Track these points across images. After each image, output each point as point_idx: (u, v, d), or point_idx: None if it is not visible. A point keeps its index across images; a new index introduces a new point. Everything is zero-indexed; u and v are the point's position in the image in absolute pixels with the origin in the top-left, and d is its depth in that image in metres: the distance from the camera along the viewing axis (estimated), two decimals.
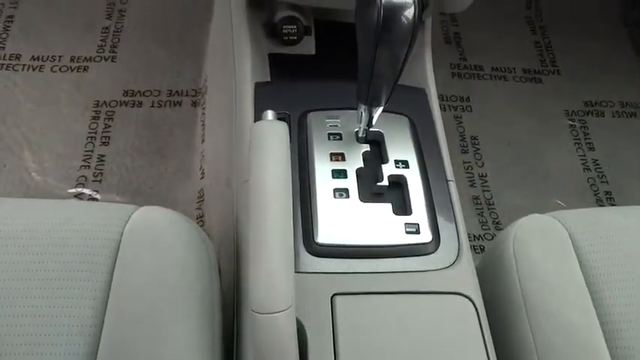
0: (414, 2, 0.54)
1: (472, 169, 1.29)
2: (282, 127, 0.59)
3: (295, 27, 0.86)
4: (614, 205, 1.29)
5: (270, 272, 0.46)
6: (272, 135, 0.59)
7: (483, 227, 1.20)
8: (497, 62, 1.48)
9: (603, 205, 1.29)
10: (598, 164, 1.35)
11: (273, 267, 0.46)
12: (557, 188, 1.30)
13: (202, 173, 1.10)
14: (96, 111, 1.20)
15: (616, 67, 1.53)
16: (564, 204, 1.27)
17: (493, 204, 1.24)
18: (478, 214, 1.22)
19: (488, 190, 1.26)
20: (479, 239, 1.18)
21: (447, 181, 0.70)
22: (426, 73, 0.84)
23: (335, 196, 0.64)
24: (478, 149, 1.32)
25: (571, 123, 1.41)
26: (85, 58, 1.27)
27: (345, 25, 0.92)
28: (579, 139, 1.38)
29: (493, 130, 1.35)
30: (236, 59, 0.88)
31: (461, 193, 0.69)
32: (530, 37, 1.56)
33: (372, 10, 0.54)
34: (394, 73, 0.59)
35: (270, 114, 0.64)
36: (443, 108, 1.31)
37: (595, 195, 1.30)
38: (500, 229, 1.20)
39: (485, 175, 1.28)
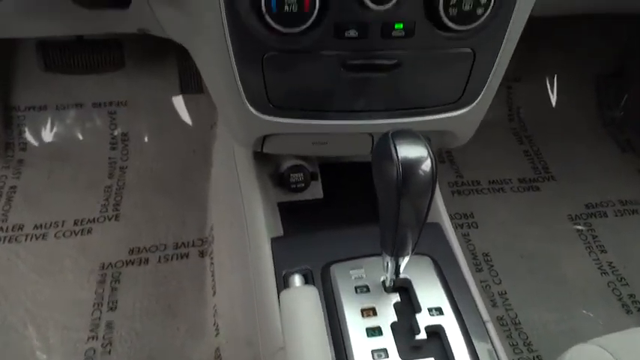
0: (429, 154, 0.56)
1: (490, 287, 1.26)
2: (312, 293, 0.58)
3: (302, 174, 0.88)
4: None
5: None
6: (304, 302, 0.57)
7: (515, 351, 1.14)
8: (492, 175, 1.51)
9: (630, 310, 1.25)
10: (614, 267, 1.33)
11: None
12: (580, 296, 1.26)
13: (217, 329, 1.05)
14: (101, 274, 1.17)
15: (606, 167, 1.57)
16: (591, 314, 1.22)
17: (519, 323, 1.19)
18: (507, 336, 1.16)
19: (512, 309, 1.21)
20: None
21: (484, 322, 0.67)
22: (438, 207, 0.85)
23: (374, 358, 0.60)
24: (492, 266, 1.30)
25: (577, 227, 1.40)
26: (89, 219, 1.27)
27: (349, 166, 0.94)
28: (589, 242, 1.37)
29: (503, 244, 1.34)
30: (246, 212, 0.87)
31: None
32: (519, 147, 1.61)
33: (391, 166, 0.55)
34: (419, 222, 0.59)
35: (297, 279, 0.63)
36: None
37: (619, 300, 1.27)
38: (534, 352, 1.13)
39: (505, 293, 1.25)
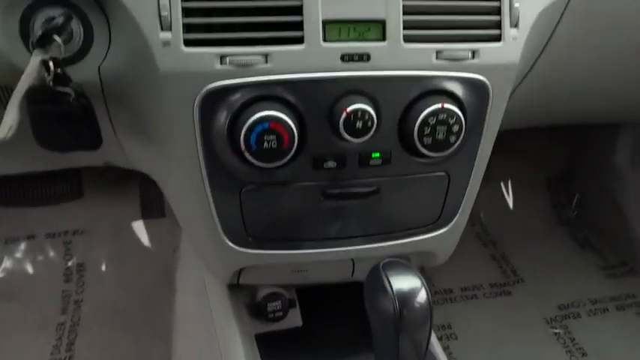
0: (423, 284, 0.54)
1: None
2: None
3: (280, 302, 0.84)
4: None
5: None
6: None
7: None
8: (464, 282, 1.50)
9: None
10: None
11: None
12: None
13: None
14: None
15: (569, 265, 1.60)
16: None
17: None
18: None
19: None
20: None
21: None
22: None
23: None
24: None
25: (554, 331, 1.39)
26: None
27: (326, 288, 0.91)
28: (568, 346, 1.35)
29: (485, 354, 1.30)
30: (222, 346, 0.81)
31: None
32: (485, 251, 1.62)
33: (386, 300, 0.53)
34: (420, 356, 0.56)
35: None
36: None
37: None
38: None
39: None
